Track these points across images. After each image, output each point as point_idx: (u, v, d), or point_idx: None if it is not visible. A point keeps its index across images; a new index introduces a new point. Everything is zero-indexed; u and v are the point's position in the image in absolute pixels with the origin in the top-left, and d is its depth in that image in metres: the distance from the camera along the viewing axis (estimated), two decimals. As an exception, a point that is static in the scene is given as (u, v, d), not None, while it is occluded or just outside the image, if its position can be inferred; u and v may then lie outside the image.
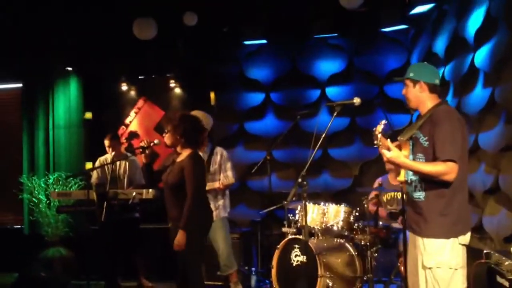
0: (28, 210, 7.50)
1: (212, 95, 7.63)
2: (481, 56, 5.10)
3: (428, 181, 3.16)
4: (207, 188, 4.81)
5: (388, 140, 3.18)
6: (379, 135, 3.20)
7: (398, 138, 3.36)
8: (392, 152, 3.12)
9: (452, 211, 3.13)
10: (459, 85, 5.64)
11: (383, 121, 3.25)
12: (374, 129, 3.24)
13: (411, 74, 3.34)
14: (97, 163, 6.25)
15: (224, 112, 7.63)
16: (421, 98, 3.32)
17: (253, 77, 7.62)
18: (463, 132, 3.20)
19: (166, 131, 4.25)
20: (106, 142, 6.18)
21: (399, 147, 3.29)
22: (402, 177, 3.37)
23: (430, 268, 3.12)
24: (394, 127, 6.86)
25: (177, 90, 7.74)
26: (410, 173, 3.29)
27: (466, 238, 3.18)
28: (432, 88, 3.32)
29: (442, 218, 3.13)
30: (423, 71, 3.37)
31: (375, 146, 3.21)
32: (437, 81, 3.34)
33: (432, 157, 3.15)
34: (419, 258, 3.18)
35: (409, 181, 3.31)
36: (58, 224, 7.16)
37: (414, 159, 3.26)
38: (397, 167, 3.32)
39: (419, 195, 3.22)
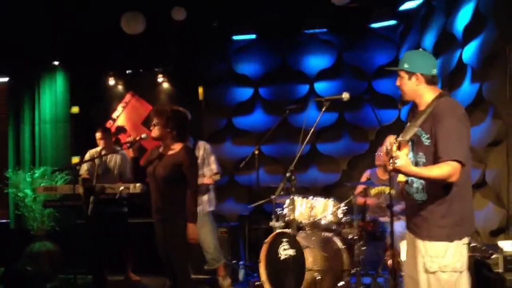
0: (14, 205, 7.44)
1: (201, 90, 7.60)
2: (469, 52, 5.13)
3: (430, 183, 2.94)
4: None
5: (395, 146, 2.84)
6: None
7: (399, 139, 2.98)
8: (400, 161, 2.79)
9: (455, 212, 2.92)
10: (447, 81, 5.67)
11: (392, 138, 2.90)
12: (388, 147, 2.84)
13: (406, 66, 3.03)
14: (87, 156, 6.19)
15: (213, 107, 7.63)
16: (418, 91, 3.03)
17: (242, 72, 7.62)
18: (468, 127, 2.93)
19: (153, 124, 4.21)
20: (98, 135, 6.11)
21: (399, 147, 2.96)
22: (402, 177, 3.05)
23: (433, 272, 2.90)
24: (382, 122, 6.91)
25: (165, 85, 7.72)
26: None
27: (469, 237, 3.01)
28: (430, 80, 3.02)
29: (445, 220, 2.91)
30: (419, 61, 3.05)
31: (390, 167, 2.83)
32: (434, 71, 3.04)
33: (433, 156, 2.91)
34: (420, 261, 2.96)
35: (409, 181, 3.05)
36: (44, 218, 7.10)
37: (415, 159, 3.02)
38: (404, 175, 2.94)
39: (421, 196, 2.99)
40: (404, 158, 2.82)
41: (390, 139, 2.94)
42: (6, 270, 5.85)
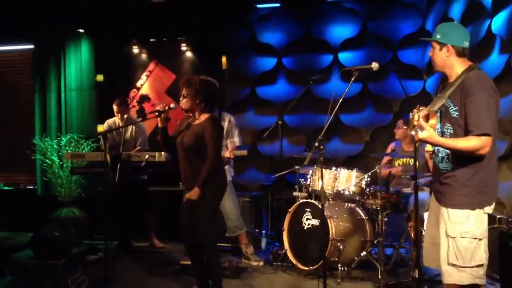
0: (41, 171, 7.60)
1: (224, 59, 7.59)
2: (498, 22, 5.03)
3: (457, 153, 3.04)
4: None
5: (421, 119, 2.94)
6: (420, 120, 2.91)
7: (428, 108, 3.10)
8: (426, 132, 2.92)
9: (477, 181, 3.02)
10: (475, 51, 5.54)
11: (421, 108, 3.00)
12: (410, 116, 2.96)
13: (438, 36, 3.14)
14: (105, 125, 6.30)
15: (236, 77, 7.62)
16: (448, 62, 3.13)
17: (265, 42, 7.57)
18: (497, 100, 3.01)
19: (183, 94, 4.23)
20: (115, 108, 6.23)
21: (427, 117, 3.08)
22: (429, 147, 3.23)
23: (453, 237, 3.03)
24: (408, 93, 6.85)
25: (189, 54, 7.72)
26: None
27: (491, 207, 3.10)
28: (460, 52, 3.11)
29: (467, 188, 3.03)
30: (451, 32, 3.14)
31: (411, 134, 2.94)
32: (466, 44, 3.12)
33: (464, 130, 3.00)
34: (442, 227, 3.10)
35: (435, 151, 3.20)
36: (71, 185, 7.26)
37: (442, 130, 3.13)
38: (431, 145, 3.13)
39: (446, 166, 3.12)
40: (429, 129, 2.93)
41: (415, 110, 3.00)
42: (34, 235, 5.99)
